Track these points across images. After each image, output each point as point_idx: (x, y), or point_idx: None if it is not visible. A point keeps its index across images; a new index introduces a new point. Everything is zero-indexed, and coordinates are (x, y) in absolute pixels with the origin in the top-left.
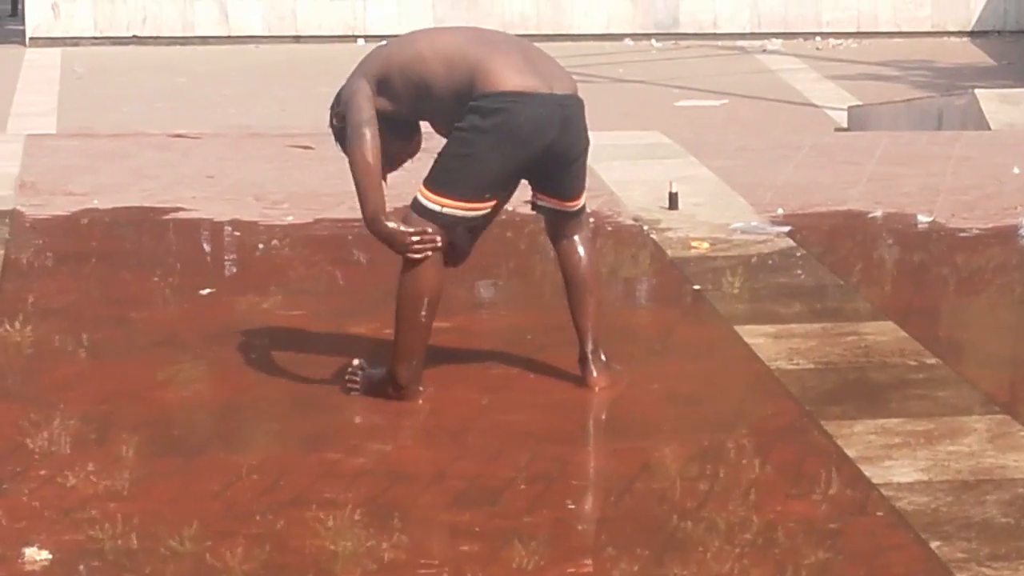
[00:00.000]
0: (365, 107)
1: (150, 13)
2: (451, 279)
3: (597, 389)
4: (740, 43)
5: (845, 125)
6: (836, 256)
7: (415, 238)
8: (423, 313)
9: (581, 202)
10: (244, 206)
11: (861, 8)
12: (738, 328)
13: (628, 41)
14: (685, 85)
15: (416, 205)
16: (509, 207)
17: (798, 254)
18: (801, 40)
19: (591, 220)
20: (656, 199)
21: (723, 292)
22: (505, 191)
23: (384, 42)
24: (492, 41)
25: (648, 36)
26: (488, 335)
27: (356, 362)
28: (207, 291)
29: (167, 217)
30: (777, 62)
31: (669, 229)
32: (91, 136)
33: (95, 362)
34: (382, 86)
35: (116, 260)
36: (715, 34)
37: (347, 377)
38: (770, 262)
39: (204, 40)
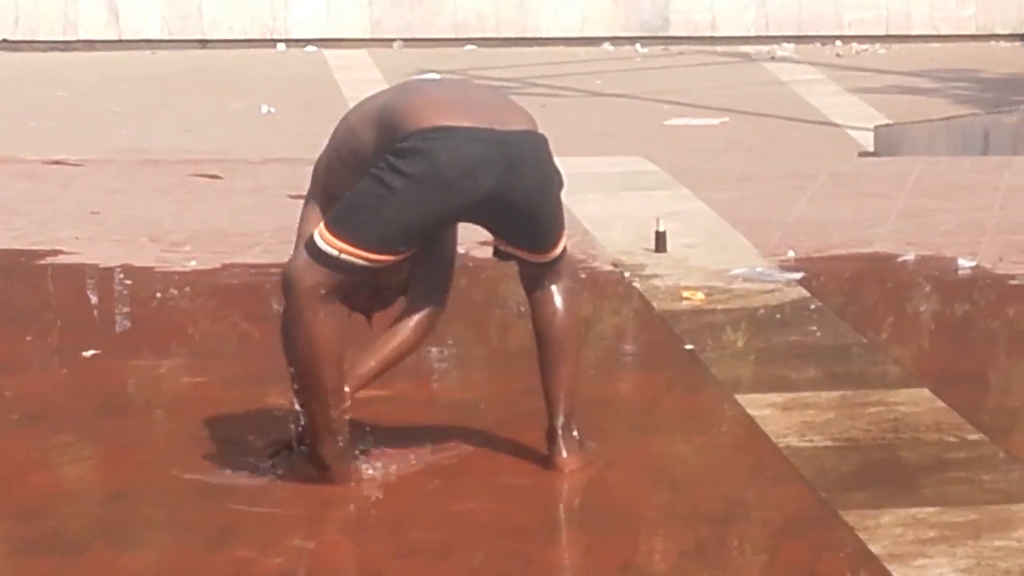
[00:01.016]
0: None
1: (23, 12)
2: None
3: (567, 471)
4: (744, 48)
5: (871, 149)
6: (859, 309)
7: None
8: (327, 375)
9: (555, 252)
10: (137, 248)
11: (891, 7)
12: (739, 397)
13: (607, 46)
14: (676, 100)
15: (310, 246)
16: (461, 249)
17: (812, 306)
18: (818, 45)
19: (574, 267)
20: (640, 239)
21: (721, 353)
22: (424, 242)
23: (313, 48)
24: (425, 87)
25: (632, 40)
26: (436, 406)
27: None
28: (91, 352)
29: (42, 262)
30: (789, 72)
31: (656, 276)
32: None
33: None
34: (329, 188)
35: None
36: (713, 37)
37: (271, 460)
38: (778, 316)
39: (90, 45)
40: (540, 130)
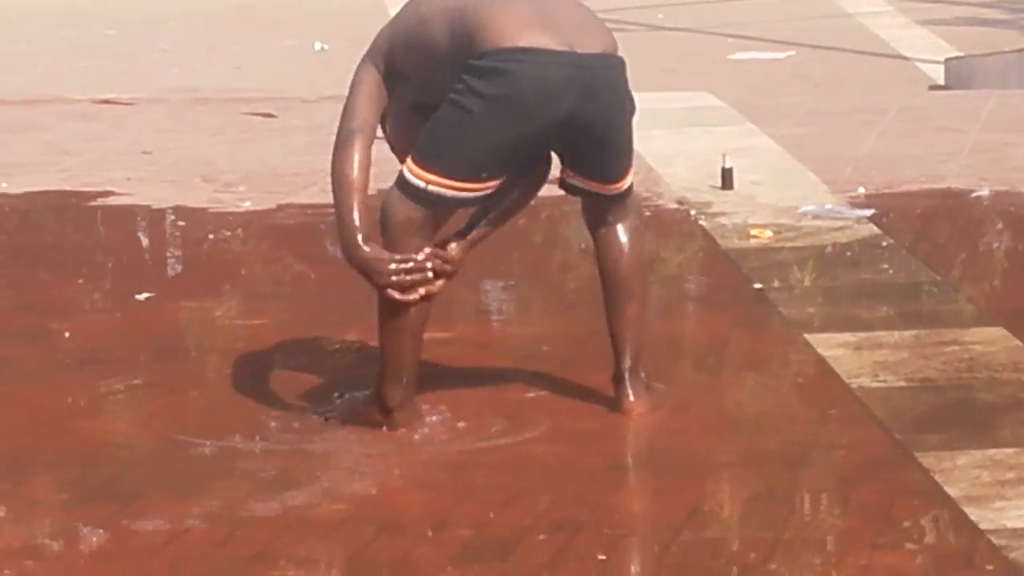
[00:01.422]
0: (360, 107)
1: None
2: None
3: (635, 415)
4: None
5: (941, 82)
6: (932, 246)
7: (399, 266)
8: (410, 315)
9: (624, 184)
10: (190, 189)
11: None
12: (809, 337)
13: None
14: (741, 33)
15: (400, 181)
16: None
17: (884, 244)
18: None
19: (639, 205)
20: (706, 176)
21: (790, 292)
22: (509, 170)
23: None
24: None
25: None
26: (498, 348)
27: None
28: (145, 296)
29: (94, 204)
30: (855, 3)
31: (722, 214)
32: None
33: (6, 385)
34: (392, 66)
35: (32, 258)
36: None
37: (324, 413)
38: (849, 254)
39: None
40: (619, 51)
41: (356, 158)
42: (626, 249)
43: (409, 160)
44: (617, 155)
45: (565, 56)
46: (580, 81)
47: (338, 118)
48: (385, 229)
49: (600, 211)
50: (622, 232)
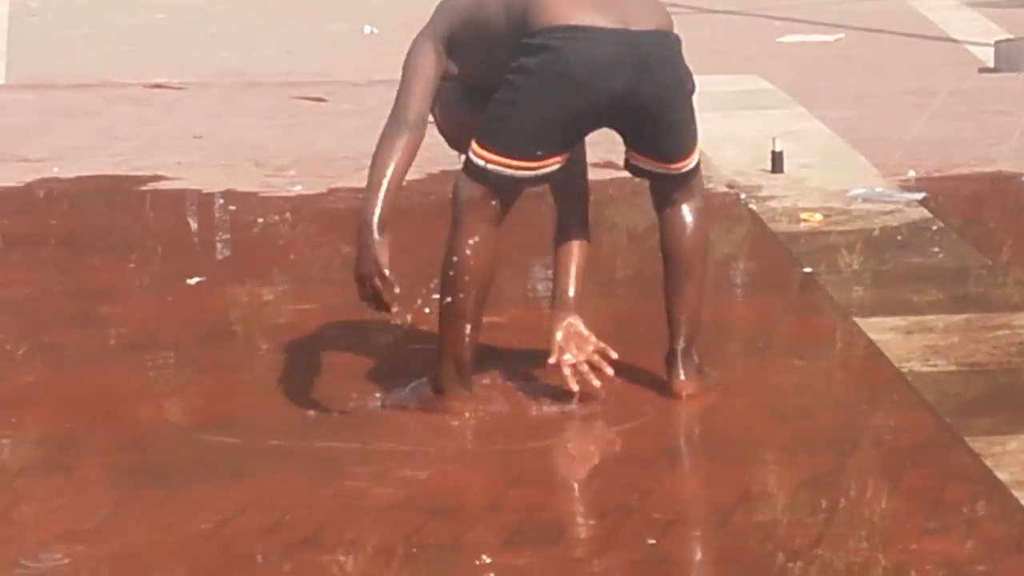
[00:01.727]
0: (418, 97)
1: None
2: (502, 262)
3: (685, 396)
4: None
5: (991, 65)
6: (982, 229)
7: (374, 276)
8: (469, 295)
9: (688, 164)
10: (240, 173)
11: None
12: (859, 321)
13: None
14: (789, 16)
15: (466, 161)
16: None
17: (934, 227)
18: None
19: (705, 187)
20: (756, 160)
21: (840, 275)
22: (565, 148)
23: None
24: None
25: None
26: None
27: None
28: (195, 280)
29: (144, 188)
30: None
31: (772, 197)
32: (48, 87)
33: (56, 370)
34: (452, 45)
35: (82, 242)
36: None
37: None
38: (899, 237)
39: None
40: (674, 29)
41: (402, 152)
42: (688, 229)
43: (473, 142)
44: (677, 133)
45: (617, 34)
46: (633, 58)
47: (388, 102)
48: (453, 207)
49: (665, 191)
50: (686, 212)
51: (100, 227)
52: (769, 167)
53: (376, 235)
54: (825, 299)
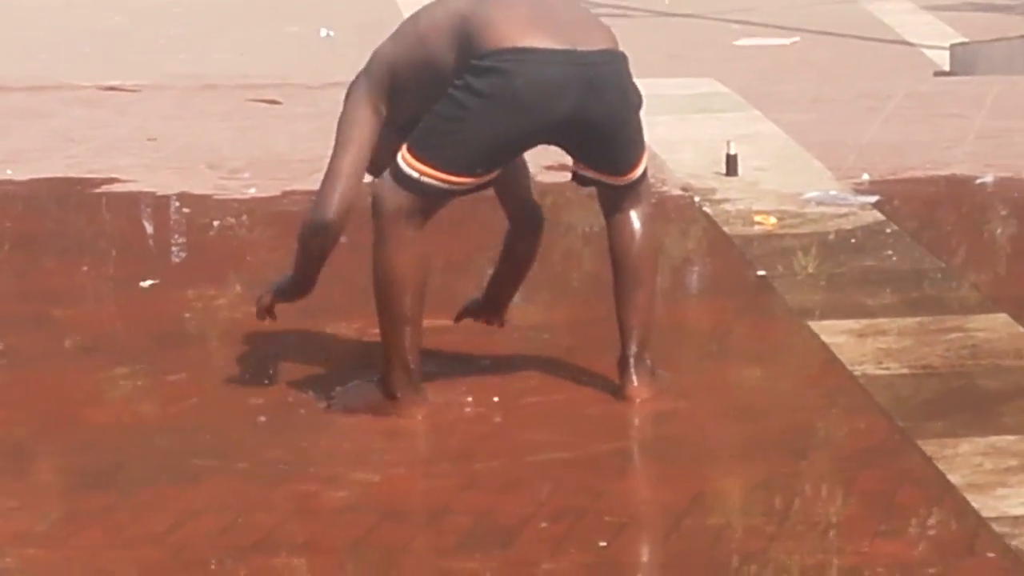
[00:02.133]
0: (349, 160)
1: None
2: (454, 266)
3: (638, 401)
4: None
5: (947, 68)
6: (936, 233)
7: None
8: (405, 303)
9: (635, 174)
10: (195, 176)
11: None
12: (813, 324)
13: None
14: (746, 19)
15: (393, 169)
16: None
17: (888, 230)
18: None
19: (653, 192)
20: (711, 163)
21: (794, 279)
22: (506, 164)
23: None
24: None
25: None
26: (502, 335)
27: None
28: (149, 283)
29: (98, 190)
30: None
31: (727, 200)
32: (3, 89)
33: (9, 372)
34: (392, 89)
35: (35, 245)
36: None
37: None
38: (853, 240)
39: None
40: (620, 48)
41: (322, 245)
42: (638, 236)
43: (404, 149)
44: (626, 148)
45: (565, 55)
46: (581, 79)
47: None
48: (376, 216)
49: (613, 199)
50: (634, 219)
51: (54, 230)
52: (723, 170)
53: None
54: (779, 302)
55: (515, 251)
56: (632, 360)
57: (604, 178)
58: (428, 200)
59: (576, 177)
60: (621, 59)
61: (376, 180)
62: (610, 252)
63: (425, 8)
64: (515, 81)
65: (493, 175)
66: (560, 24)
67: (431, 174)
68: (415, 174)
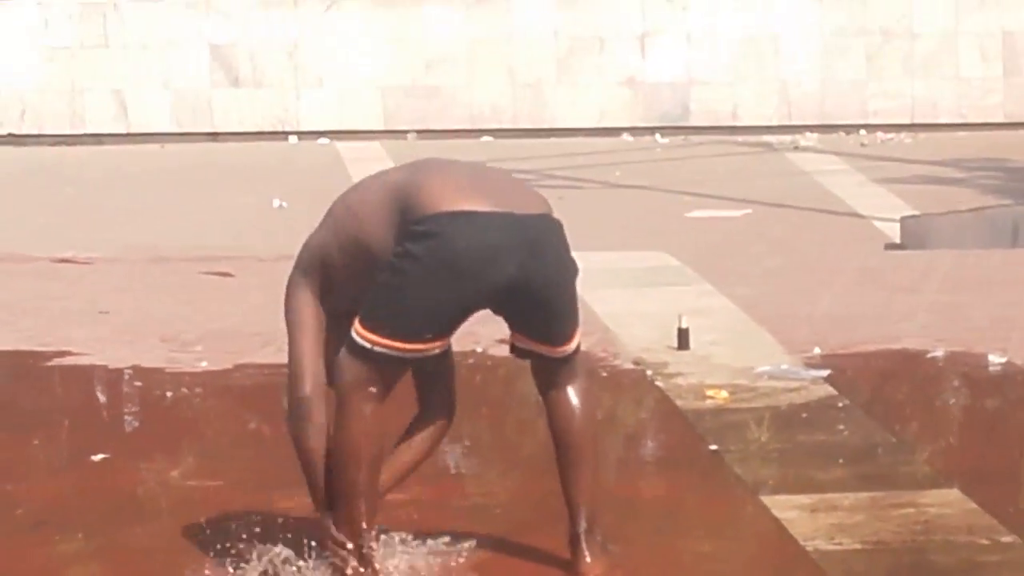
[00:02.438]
0: (308, 363)
1: (29, 105)
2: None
3: (583, 571)
4: (766, 138)
5: (897, 241)
6: (888, 407)
7: (333, 544)
8: (361, 473)
9: (571, 346)
10: (147, 349)
11: (916, 95)
12: (765, 499)
13: (626, 136)
14: (698, 191)
15: (349, 342)
16: (478, 347)
17: (840, 404)
18: (842, 134)
19: (588, 366)
20: (662, 337)
21: (746, 453)
22: (453, 329)
23: (325, 140)
24: (424, 166)
25: (651, 130)
26: (454, 510)
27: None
28: (100, 457)
29: (50, 363)
30: (812, 162)
31: (679, 374)
32: None
33: None
34: (327, 274)
35: None
36: (735, 127)
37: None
38: (805, 415)
39: (97, 139)
40: (555, 216)
41: (317, 428)
42: (577, 412)
43: (356, 322)
44: (562, 317)
45: (504, 218)
46: (521, 242)
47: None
48: (336, 388)
49: (549, 374)
50: (572, 395)
51: (5, 402)
52: (675, 344)
53: (326, 522)
54: (731, 476)
55: (413, 438)
56: (583, 536)
57: (541, 349)
58: (384, 370)
59: (513, 349)
60: (558, 225)
61: (337, 356)
62: (550, 430)
63: (352, 188)
64: (455, 245)
65: (445, 340)
66: (497, 189)
67: (382, 343)
68: (368, 344)
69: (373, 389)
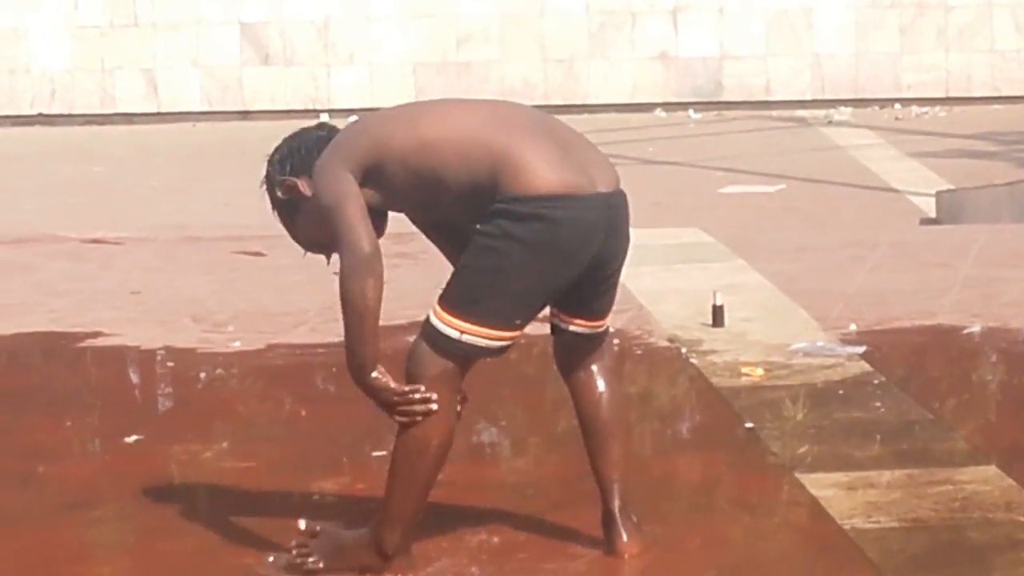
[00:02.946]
0: (366, 227)
1: (60, 85)
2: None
3: (627, 557)
4: (799, 113)
5: (933, 215)
6: (923, 383)
7: (406, 398)
8: (427, 469)
9: (609, 320)
10: (179, 329)
11: (950, 68)
12: (801, 476)
13: (660, 112)
14: (731, 167)
15: (428, 331)
16: None
17: (876, 381)
18: (876, 108)
19: (615, 344)
20: (697, 314)
21: (782, 431)
22: (536, 316)
23: (355, 118)
24: (513, 123)
25: (685, 106)
26: (489, 489)
27: (303, 526)
28: (134, 438)
29: (82, 345)
30: (846, 136)
31: (713, 351)
32: None
33: None
34: (371, 176)
35: (19, 400)
36: (768, 102)
37: (297, 551)
38: (841, 392)
39: (128, 118)
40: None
41: (376, 287)
42: (606, 391)
43: (438, 308)
44: (613, 289)
45: (595, 199)
46: (606, 221)
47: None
48: (416, 382)
49: (579, 354)
50: (598, 374)
51: (38, 384)
52: (710, 321)
53: (376, 376)
54: (767, 454)
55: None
56: (618, 514)
57: (584, 325)
58: (465, 363)
59: (556, 329)
60: (626, 200)
61: (412, 344)
62: (578, 410)
63: (425, 107)
64: (561, 228)
65: (522, 331)
66: (582, 164)
67: (473, 331)
68: (455, 333)
69: (455, 382)
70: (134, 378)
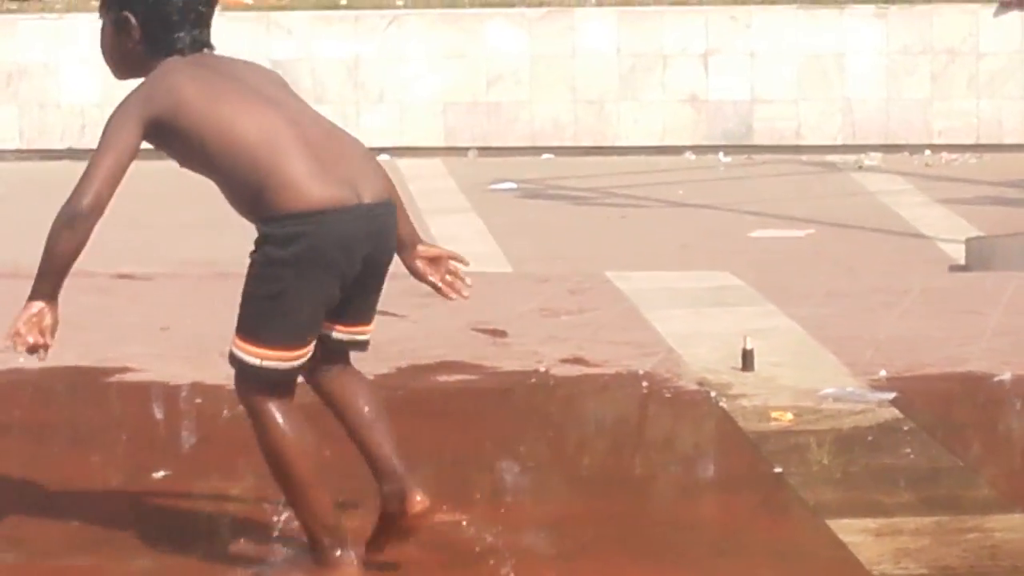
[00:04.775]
0: (107, 182)
1: (89, 120)
2: (467, 458)
3: (421, 511)
4: (830, 158)
5: (962, 262)
6: (953, 430)
7: (16, 330)
8: (297, 471)
9: (372, 328)
10: (207, 365)
11: (981, 115)
12: (830, 522)
13: (689, 155)
14: (761, 211)
15: (234, 361)
16: (541, 366)
17: (905, 428)
18: (907, 154)
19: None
20: (726, 357)
21: (811, 476)
22: (321, 326)
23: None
24: (288, 134)
25: (715, 149)
26: (514, 529)
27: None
28: (161, 474)
29: (110, 380)
30: (876, 182)
31: (743, 395)
32: (13, 276)
33: (20, 566)
34: (164, 133)
35: (45, 434)
36: (798, 147)
37: None
38: (870, 438)
39: (157, 153)
40: (391, 195)
41: (70, 240)
42: (365, 382)
43: (237, 339)
44: (378, 295)
45: (357, 210)
46: (371, 230)
47: None
48: (243, 402)
49: (337, 363)
50: (353, 372)
51: (64, 418)
52: (740, 365)
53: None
54: (795, 499)
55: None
56: (405, 479)
57: (352, 333)
58: (280, 382)
59: (328, 341)
60: (395, 208)
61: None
62: (341, 409)
63: (225, 100)
64: (323, 242)
65: (314, 342)
66: (344, 169)
67: (272, 355)
68: (256, 360)
69: (277, 396)
70: (161, 414)
